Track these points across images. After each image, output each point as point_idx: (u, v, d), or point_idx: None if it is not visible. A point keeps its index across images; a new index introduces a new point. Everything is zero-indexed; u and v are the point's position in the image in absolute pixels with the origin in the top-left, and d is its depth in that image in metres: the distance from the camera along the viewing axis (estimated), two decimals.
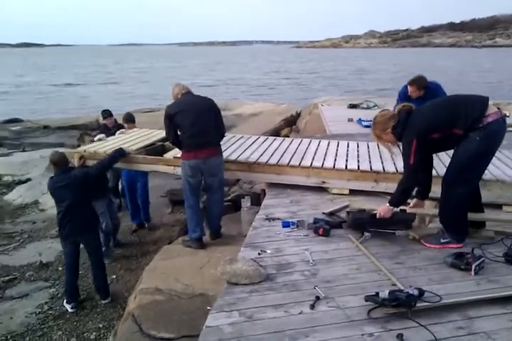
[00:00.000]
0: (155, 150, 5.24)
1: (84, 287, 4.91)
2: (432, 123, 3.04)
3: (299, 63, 60.97)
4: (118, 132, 5.93)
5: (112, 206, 5.55)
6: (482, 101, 3.01)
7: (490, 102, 3.03)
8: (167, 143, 5.44)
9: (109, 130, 6.17)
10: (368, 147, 5.14)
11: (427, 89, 5.24)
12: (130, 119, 6.35)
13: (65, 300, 4.60)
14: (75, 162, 4.63)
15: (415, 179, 3.22)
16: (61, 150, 5.29)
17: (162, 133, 5.91)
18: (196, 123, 4.14)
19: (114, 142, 5.34)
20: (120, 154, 4.79)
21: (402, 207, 3.39)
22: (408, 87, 5.32)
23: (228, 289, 2.68)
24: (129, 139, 5.49)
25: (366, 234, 3.34)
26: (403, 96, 5.41)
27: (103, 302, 4.64)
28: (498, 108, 3.09)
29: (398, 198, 3.27)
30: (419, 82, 5.24)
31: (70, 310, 4.52)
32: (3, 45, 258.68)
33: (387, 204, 3.29)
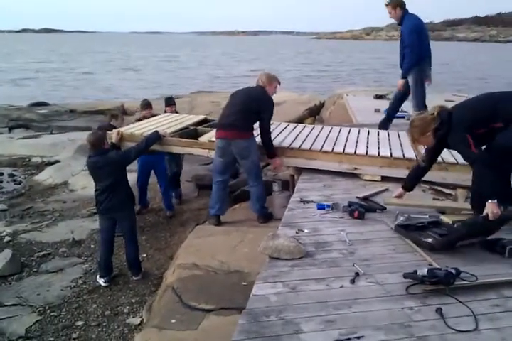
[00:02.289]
0: (188, 133, 5.35)
1: (117, 264, 5.04)
2: (478, 118, 3.08)
3: (326, 55, 60.39)
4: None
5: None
6: None
7: None
8: (199, 127, 5.58)
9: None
10: (399, 136, 5.17)
11: (405, 15, 5.72)
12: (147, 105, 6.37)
13: (98, 275, 4.74)
14: (113, 137, 4.76)
15: (488, 165, 3.03)
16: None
17: (194, 118, 6.05)
18: (229, 106, 4.59)
19: (150, 125, 5.48)
20: (156, 137, 4.92)
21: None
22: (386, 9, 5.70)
23: (271, 263, 2.79)
24: (164, 122, 5.62)
25: (400, 217, 3.38)
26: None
27: (135, 278, 4.77)
28: None
29: (491, 187, 3.01)
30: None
31: (103, 284, 4.66)
32: (26, 30, 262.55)
33: (488, 200, 2.92)
